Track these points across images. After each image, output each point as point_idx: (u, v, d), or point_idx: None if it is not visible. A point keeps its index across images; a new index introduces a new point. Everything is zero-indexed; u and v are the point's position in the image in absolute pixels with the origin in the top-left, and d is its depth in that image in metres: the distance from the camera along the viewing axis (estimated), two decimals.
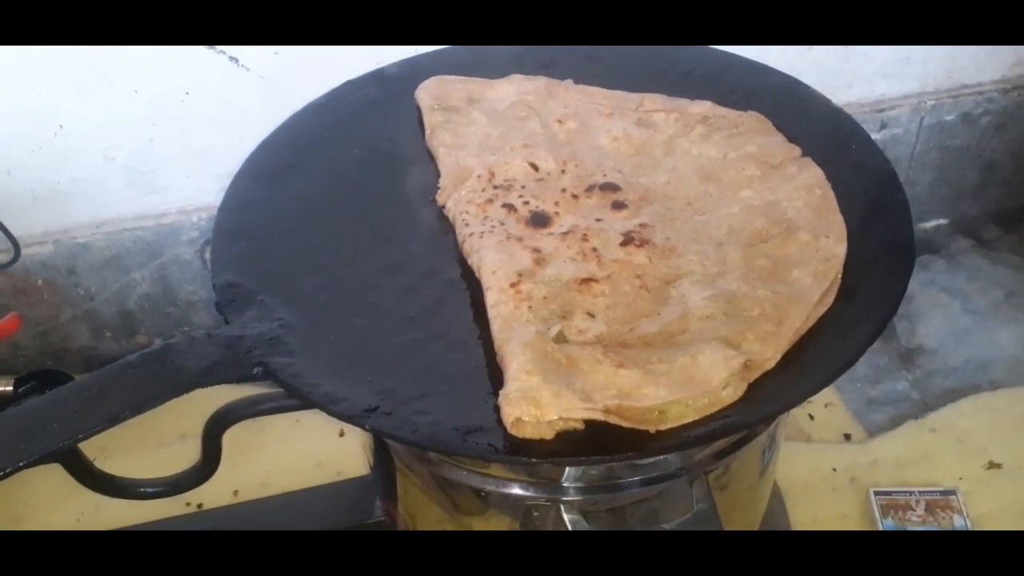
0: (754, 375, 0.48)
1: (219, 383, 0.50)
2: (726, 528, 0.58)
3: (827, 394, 1.05)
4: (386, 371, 0.51)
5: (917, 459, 0.95)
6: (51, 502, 0.97)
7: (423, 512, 0.69)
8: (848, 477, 0.94)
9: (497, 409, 0.47)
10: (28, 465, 0.48)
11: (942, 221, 1.29)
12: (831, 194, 0.60)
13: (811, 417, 1.02)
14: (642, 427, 0.46)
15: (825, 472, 0.95)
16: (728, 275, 0.54)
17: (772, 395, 0.48)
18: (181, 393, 0.50)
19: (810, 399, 1.04)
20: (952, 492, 0.89)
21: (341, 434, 1.02)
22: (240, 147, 0.69)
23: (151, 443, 1.00)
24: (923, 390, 1.06)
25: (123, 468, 0.66)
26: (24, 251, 0.95)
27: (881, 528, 0.87)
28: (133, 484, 0.66)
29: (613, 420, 0.46)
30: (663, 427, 0.46)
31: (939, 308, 1.16)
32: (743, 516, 0.71)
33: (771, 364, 0.49)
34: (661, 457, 0.55)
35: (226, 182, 0.65)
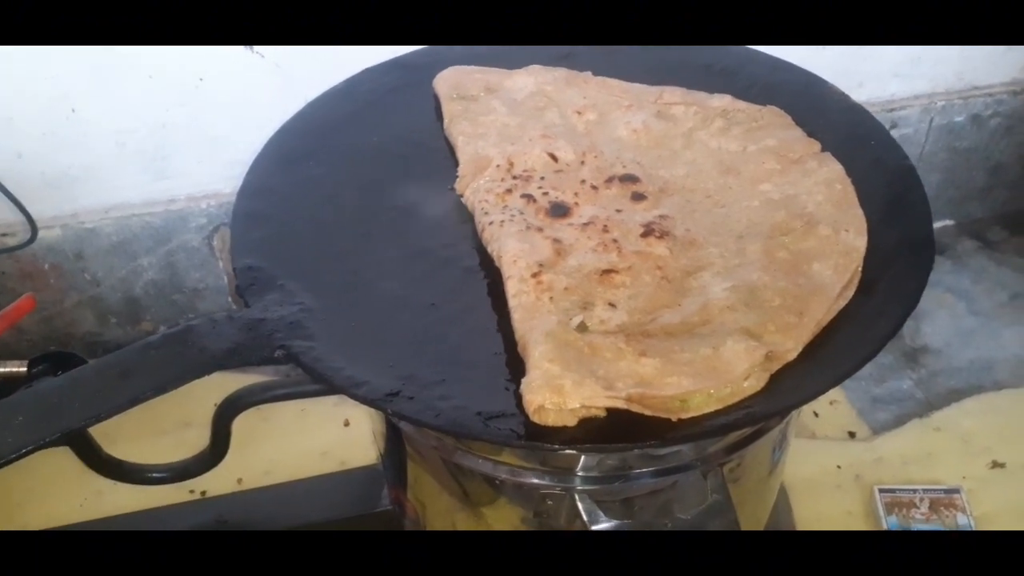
0: (776, 366, 0.49)
1: (240, 365, 0.50)
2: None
3: (832, 391, 1.04)
4: (407, 356, 0.51)
5: (921, 457, 0.96)
6: (54, 488, 0.96)
7: (433, 500, 0.69)
8: (852, 474, 0.94)
9: (519, 396, 0.47)
10: (48, 444, 0.48)
11: (948, 222, 1.29)
12: (851, 189, 0.60)
13: (816, 414, 1.03)
14: (664, 416, 0.46)
15: (830, 469, 0.95)
16: (749, 267, 0.55)
17: (793, 386, 0.48)
18: (203, 374, 0.50)
19: None
20: (956, 490, 0.90)
21: (346, 424, 1.02)
22: (253, 135, 0.69)
23: (155, 430, 1.00)
24: (927, 389, 1.07)
25: (126, 455, 0.66)
26: None
27: (885, 525, 0.87)
28: (141, 469, 0.66)
29: (635, 408, 0.47)
30: (685, 416, 0.46)
31: (944, 308, 1.16)
32: (752, 511, 0.71)
33: (793, 355, 0.49)
34: (681, 447, 0.55)
35: (237, 169, 0.65)
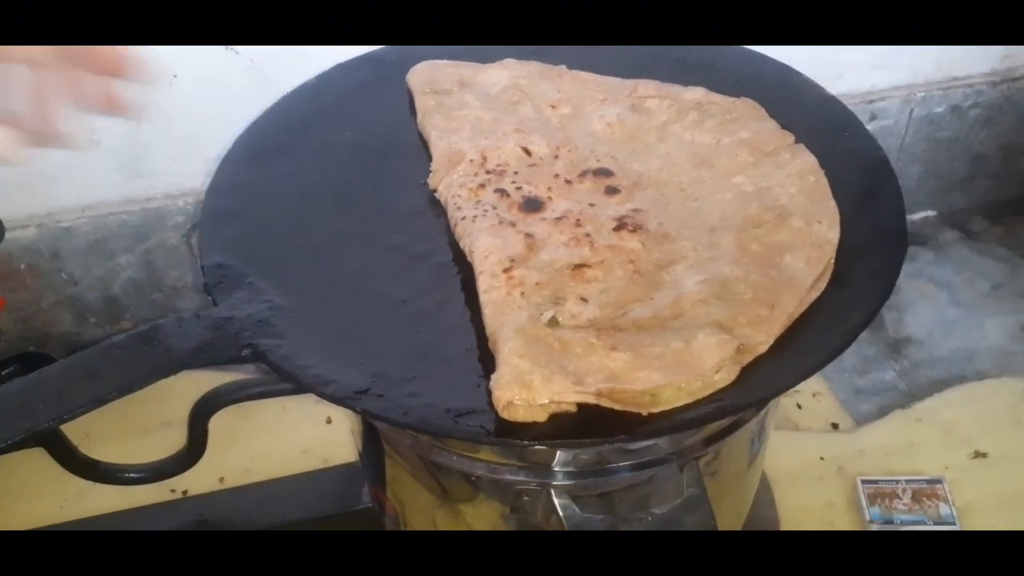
0: (747, 359, 0.48)
1: (207, 364, 0.50)
2: (715, 514, 0.58)
3: (815, 384, 1.05)
4: (377, 353, 0.51)
5: (903, 448, 0.96)
6: (33, 489, 0.95)
7: (412, 498, 0.69)
8: (835, 466, 0.94)
9: (489, 392, 0.47)
10: (13, 447, 0.47)
11: (930, 213, 1.29)
12: (824, 180, 0.60)
13: (799, 406, 1.03)
14: (634, 410, 0.46)
15: (812, 461, 0.95)
16: (721, 260, 0.54)
17: (764, 379, 0.48)
18: (169, 374, 0.49)
19: (798, 388, 1.04)
20: (938, 481, 0.90)
21: (328, 421, 1.01)
22: (228, 131, 0.68)
23: (135, 429, 0.99)
24: (910, 380, 1.07)
25: (107, 455, 0.65)
26: (7, 235, 0.93)
27: (868, 516, 0.88)
28: (117, 469, 0.65)
29: (605, 403, 0.46)
30: (655, 410, 0.46)
31: (926, 299, 1.17)
32: (731, 503, 0.71)
33: (763, 348, 0.49)
34: (653, 441, 0.55)
35: (214, 167, 0.65)
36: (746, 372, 0.48)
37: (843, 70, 1.13)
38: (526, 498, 0.59)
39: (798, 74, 0.70)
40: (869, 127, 1.15)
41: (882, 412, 1.02)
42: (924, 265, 1.22)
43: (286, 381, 0.49)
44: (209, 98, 0.96)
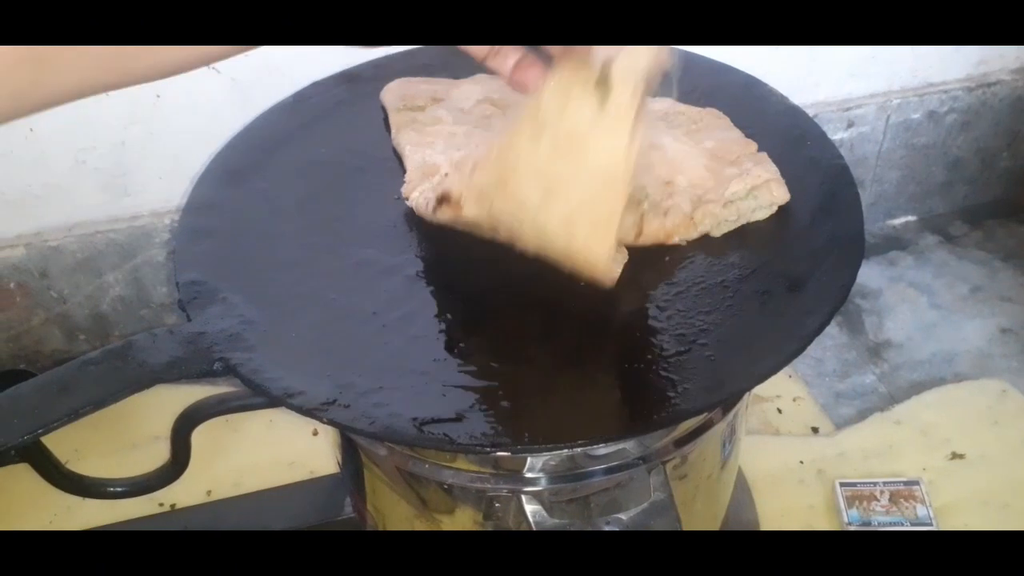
0: None
1: (180, 379, 0.51)
2: (687, 518, 0.59)
3: (796, 388, 1.06)
4: (346, 365, 0.52)
5: (882, 451, 0.97)
6: (22, 504, 0.96)
7: (390, 508, 0.70)
8: (815, 469, 0.95)
9: (455, 401, 0.48)
10: None
11: (910, 218, 1.31)
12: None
13: (779, 411, 1.04)
14: None
15: (792, 464, 0.96)
16: None
17: (719, 383, 0.49)
18: (142, 388, 0.50)
19: (778, 394, 1.06)
20: (916, 482, 0.91)
21: (314, 433, 1.02)
22: (212, 149, 0.69)
23: (125, 444, 1.00)
24: (890, 383, 1.08)
25: (96, 469, 0.66)
26: None
27: (846, 519, 0.88)
28: (101, 483, 0.66)
29: None
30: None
31: (907, 303, 1.18)
32: (705, 506, 0.72)
33: None
34: (617, 447, 0.56)
35: None
36: (702, 376, 0.49)
37: (820, 79, 1.14)
38: (498, 505, 0.60)
39: (763, 85, 0.72)
40: (847, 134, 1.18)
41: (862, 415, 1.03)
42: (904, 269, 1.23)
43: (257, 394, 0.50)
44: (192, 117, 0.97)
